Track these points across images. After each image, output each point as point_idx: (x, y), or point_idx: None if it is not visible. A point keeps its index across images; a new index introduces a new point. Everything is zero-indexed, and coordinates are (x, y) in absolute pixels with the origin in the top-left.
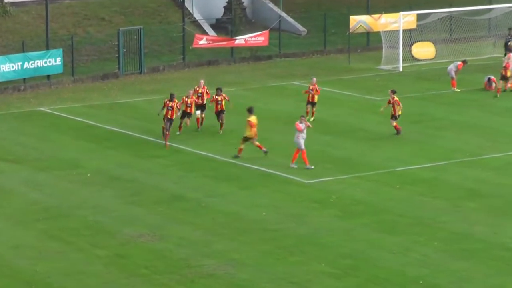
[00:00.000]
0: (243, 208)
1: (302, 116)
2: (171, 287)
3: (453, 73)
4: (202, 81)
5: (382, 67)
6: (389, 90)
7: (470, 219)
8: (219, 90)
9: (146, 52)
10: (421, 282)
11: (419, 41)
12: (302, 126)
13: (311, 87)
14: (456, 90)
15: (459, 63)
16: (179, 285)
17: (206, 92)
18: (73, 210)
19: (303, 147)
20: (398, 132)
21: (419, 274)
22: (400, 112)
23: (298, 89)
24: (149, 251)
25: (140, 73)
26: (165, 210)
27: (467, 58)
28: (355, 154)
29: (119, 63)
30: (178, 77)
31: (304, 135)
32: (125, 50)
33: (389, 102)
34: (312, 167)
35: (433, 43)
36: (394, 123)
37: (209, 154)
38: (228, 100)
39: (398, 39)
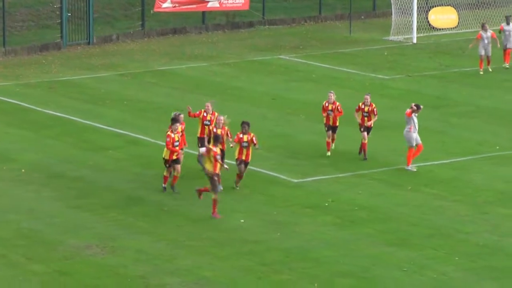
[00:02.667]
0: None
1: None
2: None
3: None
4: (209, 104)
5: (392, 38)
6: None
7: (501, 229)
8: (245, 126)
9: (95, 18)
10: None
11: (438, 5)
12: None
13: (363, 106)
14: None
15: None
16: None
17: (222, 127)
18: (3, 215)
19: (413, 143)
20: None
21: None
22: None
23: (286, 64)
24: (98, 267)
25: (88, 43)
26: (118, 216)
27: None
28: (356, 147)
29: (61, 31)
30: (136, 49)
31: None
32: (69, 14)
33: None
34: (415, 169)
35: (455, 9)
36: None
37: None
38: (255, 145)
39: (412, 3)
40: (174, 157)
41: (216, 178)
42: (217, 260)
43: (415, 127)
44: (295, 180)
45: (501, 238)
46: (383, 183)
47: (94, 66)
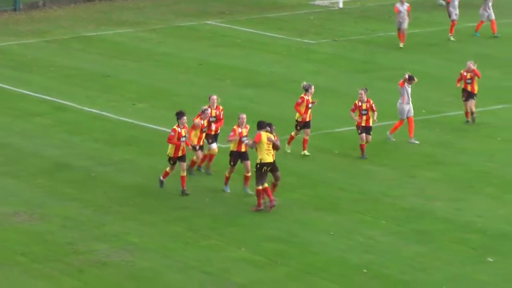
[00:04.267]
0: (144, 179)
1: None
2: (54, 277)
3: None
4: (215, 97)
5: (318, 2)
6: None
7: (427, 192)
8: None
9: None
10: (365, 271)
11: None
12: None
13: (359, 103)
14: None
15: None
16: (64, 275)
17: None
18: None
19: (404, 115)
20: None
21: (363, 261)
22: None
23: (213, 30)
24: (26, 234)
25: (14, 10)
26: (46, 183)
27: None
28: (284, 112)
29: None
30: (63, 16)
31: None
32: None
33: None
34: (417, 142)
35: None
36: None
37: (102, 112)
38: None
39: None
40: (180, 154)
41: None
42: (145, 226)
43: (408, 98)
44: (223, 145)
45: (428, 201)
46: (311, 148)
47: (20, 32)
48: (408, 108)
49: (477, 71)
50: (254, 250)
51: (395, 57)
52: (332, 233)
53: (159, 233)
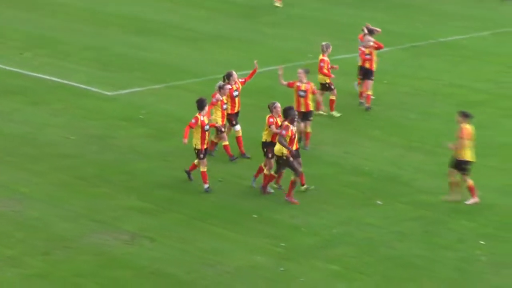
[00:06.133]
0: (32, 128)
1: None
2: None
3: None
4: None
5: None
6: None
7: (315, 137)
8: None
9: None
10: (255, 216)
11: None
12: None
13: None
14: None
15: None
16: None
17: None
18: None
19: None
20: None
21: (254, 206)
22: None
23: None
24: None
25: None
26: None
27: None
28: (172, 58)
29: None
30: None
31: None
32: None
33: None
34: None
35: None
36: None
37: None
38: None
39: None
40: (205, 147)
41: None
42: (34, 175)
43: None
44: (109, 93)
45: (315, 146)
46: (195, 94)
47: None
48: None
49: (379, 43)
50: (144, 197)
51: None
52: (221, 180)
53: (47, 182)
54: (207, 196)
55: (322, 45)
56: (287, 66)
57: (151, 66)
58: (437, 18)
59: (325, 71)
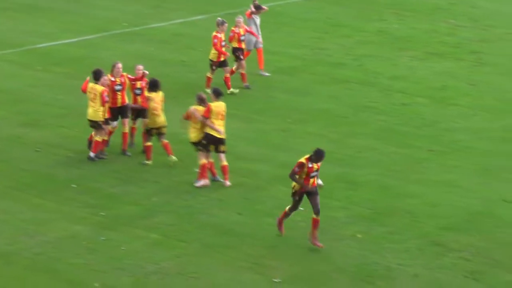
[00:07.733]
0: None
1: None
2: None
3: None
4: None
5: None
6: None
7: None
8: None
9: None
10: (74, 186)
11: None
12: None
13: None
14: None
15: None
16: None
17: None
18: None
19: (251, 46)
20: None
21: (72, 176)
22: None
23: None
24: None
25: None
26: None
27: None
28: None
29: None
30: None
31: None
32: None
33: None
34: (268, 74)
35: None
36: None
37: None
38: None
39: None
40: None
41: None
42: None
43: (257, 29)
44: None
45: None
46: (14, 65)
47: None
48: (255, 40)
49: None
50: None
51: None
52: (39, 149)
53: None
54: (25, 166)
55: (217, 21)
56: (103, 35)
57: None
58: None
59: (218, 47)
